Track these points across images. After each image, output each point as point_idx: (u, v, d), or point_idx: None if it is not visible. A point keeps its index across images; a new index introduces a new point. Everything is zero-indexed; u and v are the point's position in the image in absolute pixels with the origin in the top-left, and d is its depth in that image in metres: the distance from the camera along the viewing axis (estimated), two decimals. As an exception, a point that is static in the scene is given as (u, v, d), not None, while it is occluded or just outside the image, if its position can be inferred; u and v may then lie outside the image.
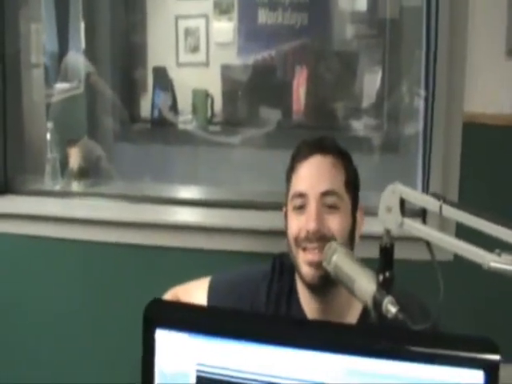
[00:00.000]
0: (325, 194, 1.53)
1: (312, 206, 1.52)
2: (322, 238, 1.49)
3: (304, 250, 1.53)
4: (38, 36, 2.94)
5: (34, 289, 2.65)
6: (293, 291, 1.64)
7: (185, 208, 2.62)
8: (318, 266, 1.46)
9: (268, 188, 2.65)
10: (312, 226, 1.50)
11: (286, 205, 1.63)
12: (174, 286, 1.81)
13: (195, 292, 1.74)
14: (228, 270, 1.80)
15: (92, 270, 2.60)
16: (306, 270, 1.53)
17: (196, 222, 2.51)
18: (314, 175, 1.56)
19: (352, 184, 1.60)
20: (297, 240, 1.54)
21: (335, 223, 1.53)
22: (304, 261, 1.53)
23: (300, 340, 1.14)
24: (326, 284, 1.43)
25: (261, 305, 1.65)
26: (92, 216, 2.57)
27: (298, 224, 1.54)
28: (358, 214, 1.62)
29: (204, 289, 1.72)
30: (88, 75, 3.79)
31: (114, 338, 2.54)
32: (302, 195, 1.55)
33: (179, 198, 2.73)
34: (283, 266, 1.68)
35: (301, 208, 1.55)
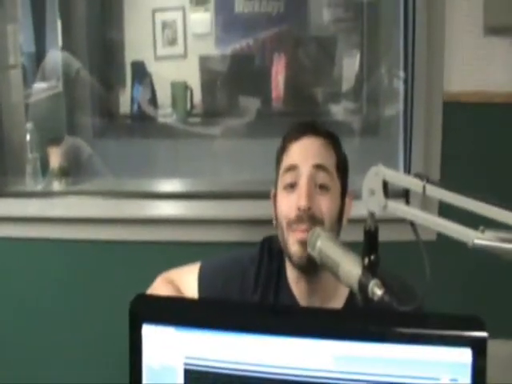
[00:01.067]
0: (317, 167, 1.52)
1: (303, 182, 1.51)
2: (312, 218, 1.48)
3: (294, 230, 1.51)
4: (15, 36, 2.91)
5: (21, 290, 2.63)
6: (281, 274, 1.64)
7: (168, 201, 2.61)
8: (304, 244, 1.43)
9: (250, 177, 2.64)
10: (303, 202, 1.48)
11: (275, 187, 1.61)
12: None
13: (187, 276, 1.73)
14: (218, 255, 1.79)
15: (78, 268, 2.58)
16: (295, 249, 1.51)
17: (179, 215, 2.50)
18: (306, 150, 1.55)
19: (342, 168, 1.60)
20: (288, 222, 1.52)
21: (325, 205, 1.52)
22: (294, 240, 1.51)
23: (287, 328, 1.14)
24: (315, 264, 1.41)
25: (249, 287, 1.64)
26: (75, 214, 2.56)
27: (289, 203, 1.53)
28: (347, 200, 1.62)
29: (195, 273, 1.72)
30: (77, 71, 3.77)
31: (102, 334, 2.53)
32: (293, 168, 1.53)
33: (162, 191, 2.73)
34: (272, 249, 1.67)
35: (292, 187, 1.53)
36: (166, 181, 2.87)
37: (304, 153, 1.55)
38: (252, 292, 1.64)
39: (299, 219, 1.50)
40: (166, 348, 1.16)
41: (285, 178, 1.55)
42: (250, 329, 1.13)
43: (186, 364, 1.16)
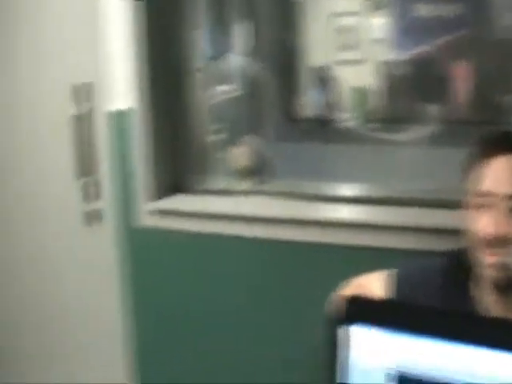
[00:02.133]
0: (510, 197, 1.50)
1: (496, 210, 1.51)
2: (505, 241, 1.48)
3: (487, 254, 1.51)
4: (198, 42, 3.11)
5: (201, 283, 2.79)
6: (466, 291, 1.63)
7: (346, 205, 2.66)
8: (500, 267, 1.47)
9: (432, 186, 2.60)
10: (494, 230, 1.49)
11: (466, 198, 1.60)
12: (339, 283, 1.83)
13: (375, 282, 1.77)
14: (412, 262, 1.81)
15: (256, 266, 2.68)
16: (489, 271, 1.52)
17: (360, 219, 2.52)
18: (499, 177, 1.53)
19: None
20: (480, 241, 1.53)
21: None
22: (487, 263, 1.52)
23: (500, 340, 1.13)
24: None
25: (432, 297, 1.64)
26: (256, 213, 2.66)
27: (481, 224, 1.52)
28: None
29: (382, 280, 1.75)
30: (258, 75, 3.90)
31: (290, 333, 2.51)
32: (486, 195, 1.53)
33: (340, 195, 2.77)
34: (460, 264, 1.65)
35: (484, 207, 1.53)
36: (345, 185, 2.89)
37: (497, 180, 1.52)
38: (434, 302, 1.62)
39: (491, 244, 1.50)
40: (373, 351, 1.20)
41: (476, 200, 1.55)
42: (462, 339, 1.14)
43: (395, 370, 1.19)
